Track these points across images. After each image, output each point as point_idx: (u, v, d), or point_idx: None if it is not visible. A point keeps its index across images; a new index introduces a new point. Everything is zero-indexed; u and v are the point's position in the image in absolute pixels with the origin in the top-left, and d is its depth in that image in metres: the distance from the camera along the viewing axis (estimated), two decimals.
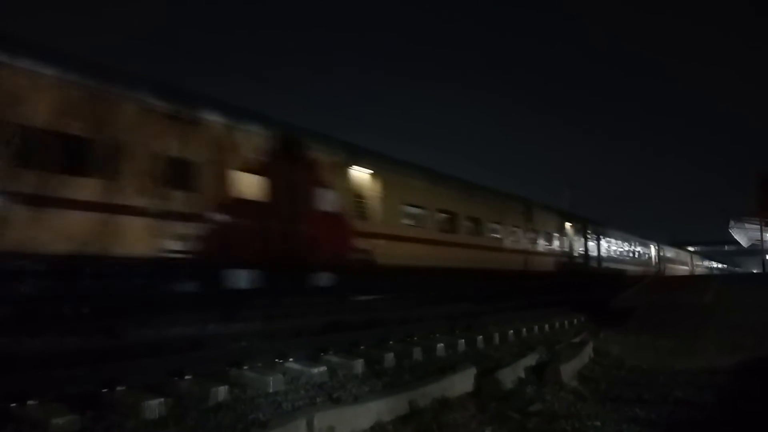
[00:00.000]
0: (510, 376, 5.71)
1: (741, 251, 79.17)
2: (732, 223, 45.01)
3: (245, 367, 5.65)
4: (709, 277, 18.81)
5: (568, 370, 6.15)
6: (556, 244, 26.88)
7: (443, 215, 18.60)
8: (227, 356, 5.95)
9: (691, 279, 20.04)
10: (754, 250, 59.43)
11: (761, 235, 37.24)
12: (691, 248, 73.88)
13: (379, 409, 4.25)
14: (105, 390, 4.64)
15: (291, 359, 6.17)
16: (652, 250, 46.29)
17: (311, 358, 6.34)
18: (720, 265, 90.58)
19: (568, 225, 28.49)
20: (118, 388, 4.67)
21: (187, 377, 5.15)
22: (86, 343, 7.72)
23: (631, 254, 39.99)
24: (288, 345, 6.81)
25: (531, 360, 6.47)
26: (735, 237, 54.73)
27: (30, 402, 4.21)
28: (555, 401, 5.20)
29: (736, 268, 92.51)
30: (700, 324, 9.10)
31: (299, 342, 7.34)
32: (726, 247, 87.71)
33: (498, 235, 21.84)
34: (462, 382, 5.29)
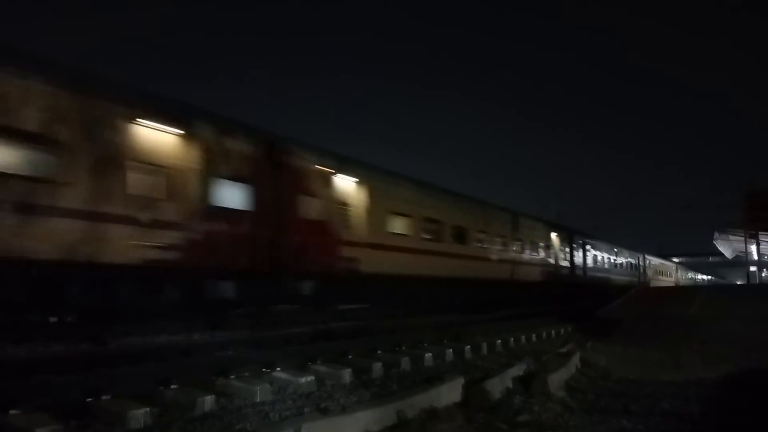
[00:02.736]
0: (498, 386, 5.70)
1: (725, 263, 79.92)
2: (717, 234, 45.50)
3: (232, 377, 5.61)
4: (695, 288, 18.94)
5: (556, 380, 6.16)
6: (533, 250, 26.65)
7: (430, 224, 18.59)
8: (214, 365, 5.90)
9: (677, 291, 20.19)
10: (738, 262, 60.02)
11: (746, 247, 37.66)
12: (676, 259, 74.36)
13: (367, 419, 4.23)
14: (90, 399, 4.58)
15: (278, 368, 6.13)
16: (638, 261, 46.53)
17: (299, 368, 6.30)
18: (705, 277, 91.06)
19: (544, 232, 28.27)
20: (104, 397, 4.62)
21: (173, 386, 5.11)
22: (71, 350, 7.65)
23: (615, 265, 40.17)
24: (275, 354, 6.77)
25: (518, 370, 6.47)
26: (719, 248, 55.31)
27: (13, 411, 4.15)
28: (542, 412, 5.21)
29: (720, 279, 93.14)
30: (686, 335, 9.17)
31: (287, 351, 7.30)
32: (710, 258, 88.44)
33: (483, 245, 21.82)
34: (450, 393, 5.28)
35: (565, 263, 29.73)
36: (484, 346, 8.91)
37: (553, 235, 28.58)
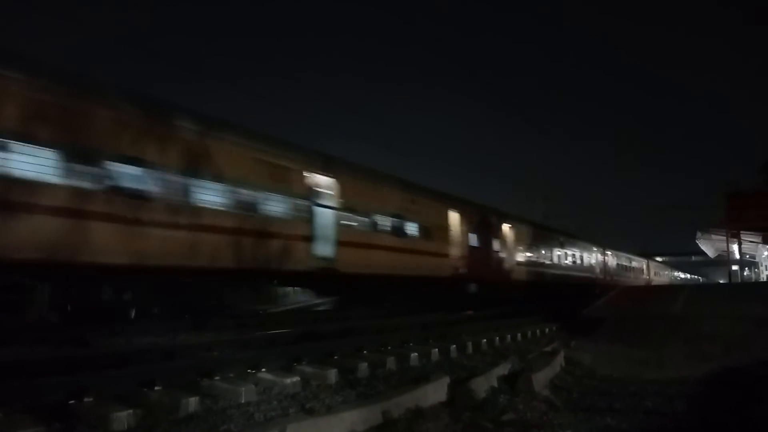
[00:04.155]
0: (483, 385, 5.73)
1: (707, 262, 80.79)
2: (699, 234, 45.95)
3: (217, 378, 5.58)
4: (678, 287, 19.17)
5: (541, 379, 6.20)
6: None
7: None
8: (199, 366, 5.87)
9: (660, 290, 20.40)
10: (719, 261, 60.68)
11: (727, 246, 38.07)
12: (659, 258, 74.96)
13: (353, 419, 4.23)
14: (73, 401, 4.54)
15: (264, 369, 6.10)
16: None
17: (284, 368, 6.28)
18: (687, 276, 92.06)
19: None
20: (87, 399, 4.57)
21: (157, 388, 5.06)
22: (54, 352, 7.56)
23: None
24: (261, 355, 6.74)
25: (504, 369, 6.50)
26: (702, 248, 55.88)
27: None
28: (527, 410, 5.24)
29: (701, 278, 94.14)
30: (670, 334, 9.24)
31: (272, 352, 7.26)
32: (693, 258, 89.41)
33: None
34: (435, 392, 5.29)
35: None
36: (470, 345, 8.94)
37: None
